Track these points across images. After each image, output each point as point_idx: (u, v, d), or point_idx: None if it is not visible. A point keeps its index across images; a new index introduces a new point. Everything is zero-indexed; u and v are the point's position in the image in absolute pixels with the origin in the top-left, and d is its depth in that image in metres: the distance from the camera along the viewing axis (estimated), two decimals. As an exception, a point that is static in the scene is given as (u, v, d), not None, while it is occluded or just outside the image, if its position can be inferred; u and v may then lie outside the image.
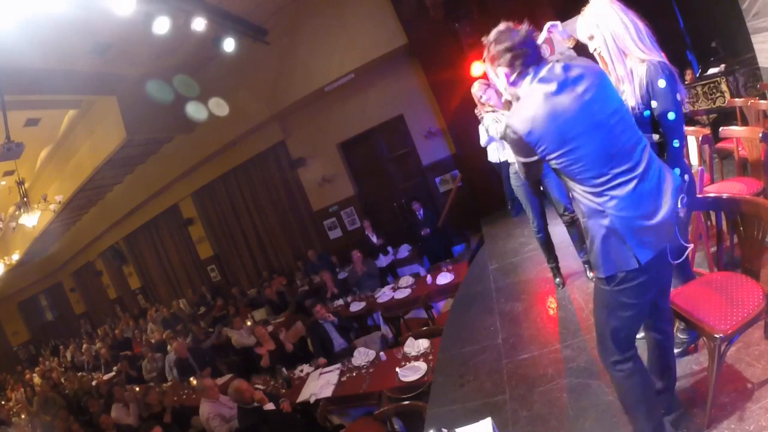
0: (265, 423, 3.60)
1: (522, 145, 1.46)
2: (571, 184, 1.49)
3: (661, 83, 1.65)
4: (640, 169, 1.40)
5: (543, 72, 1.43)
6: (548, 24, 1.97)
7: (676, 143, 1.71)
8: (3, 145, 5.28)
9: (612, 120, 1.40)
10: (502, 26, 1.48)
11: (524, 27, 1.46)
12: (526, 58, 1.44)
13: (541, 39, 2.78)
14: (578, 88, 1.40)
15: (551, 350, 2.73)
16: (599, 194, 1.42)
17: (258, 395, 3.74)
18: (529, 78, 1.45)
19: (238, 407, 3.78)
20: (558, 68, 1.42)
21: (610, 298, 1.52)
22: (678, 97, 1.68)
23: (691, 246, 1.56)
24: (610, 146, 1.39)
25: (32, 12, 4.26)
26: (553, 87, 1.40)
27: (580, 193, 1.47)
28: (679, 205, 1.45)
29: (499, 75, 1.51)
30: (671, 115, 1.69)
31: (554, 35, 1.99)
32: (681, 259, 1.55)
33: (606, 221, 1.42)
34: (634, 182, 1.40)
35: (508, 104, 2.87)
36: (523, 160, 1.53)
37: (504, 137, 1.57)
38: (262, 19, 7.04)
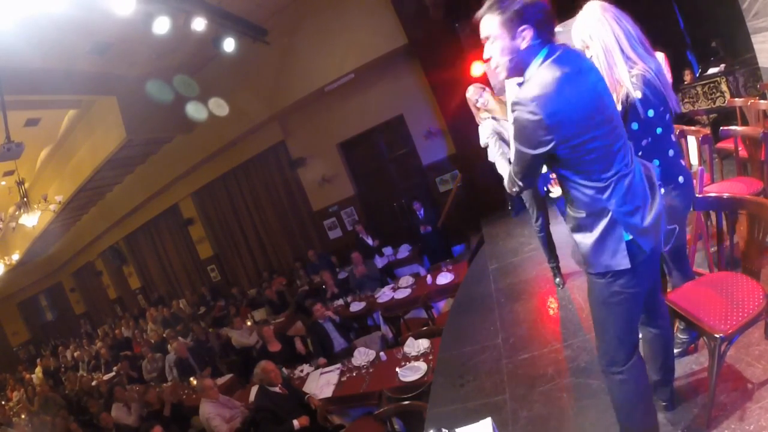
0: (275, 406, 3.72)
1: (536, 129, 1.31)
2: (574, 177, 1.42)
3: (637, 94, 1.71)
4: (632, 165, 1.43)
5: (559, 52, 1.33)
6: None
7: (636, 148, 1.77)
8: (3, 145, 5.27)
9: (616, 115, 1.41)
10: None
11: None
12: (547, 27, 1.33)
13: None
14: (591, 77, 1.37)
15: (551, 350, 2.73)
16: (603, 189, 1.39)
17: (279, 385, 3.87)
18: (540, 58, 1.34)
19: (259, 386, 3.89)
20: (572, 53, 1.37)
21: (605, 290, 1.50)
22: (650, 113, 1.74)
23: (676, 228, 1.65)
24: (616, 141, 1.38)
25: (32, 12, 4.27)
26: (570, 69, 1.31)
27: (583, 186, 1.41)
28: (662, 192, 1.54)
29: (503, 55, 1.37)
30: (634, 126, 1.77)
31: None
32: (670, 245, 1.63)
33: (607, 217, 1.41)
34: (629, 177, 1.41)
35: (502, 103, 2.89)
36: (527, 151, 1.38)
37: (512, 123, 1.40)
38: (262, 19, 7.04)
